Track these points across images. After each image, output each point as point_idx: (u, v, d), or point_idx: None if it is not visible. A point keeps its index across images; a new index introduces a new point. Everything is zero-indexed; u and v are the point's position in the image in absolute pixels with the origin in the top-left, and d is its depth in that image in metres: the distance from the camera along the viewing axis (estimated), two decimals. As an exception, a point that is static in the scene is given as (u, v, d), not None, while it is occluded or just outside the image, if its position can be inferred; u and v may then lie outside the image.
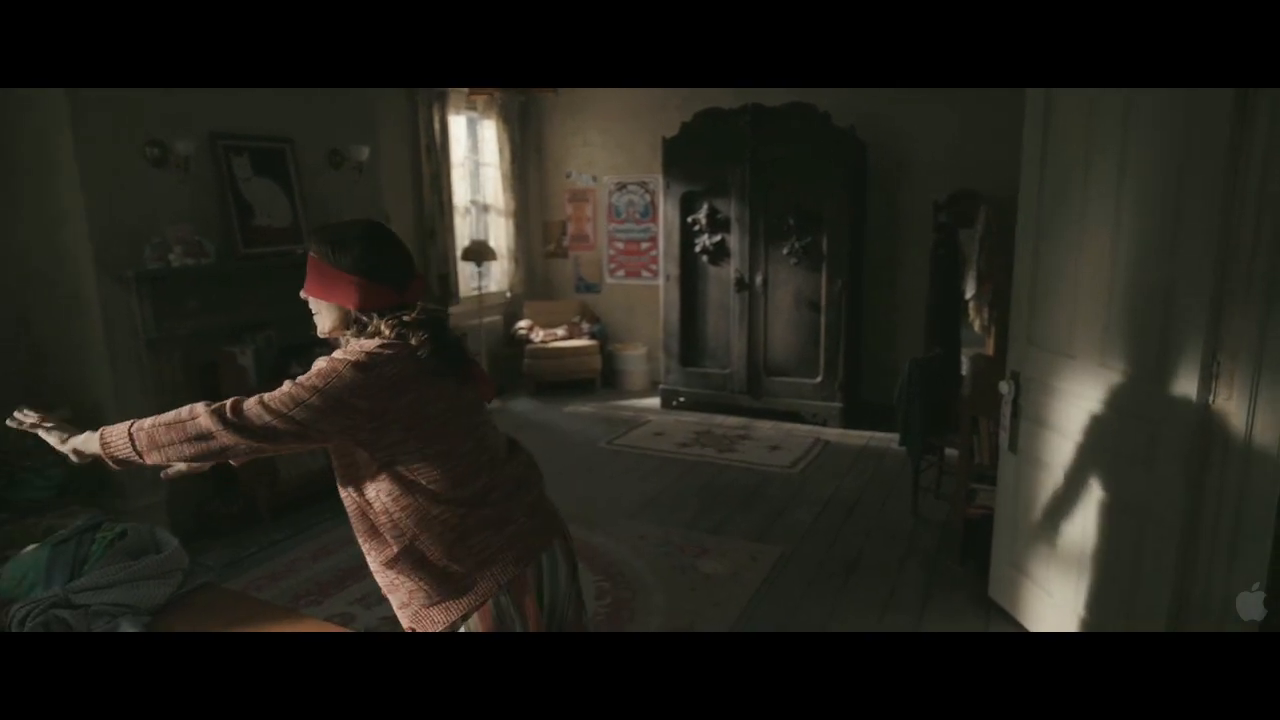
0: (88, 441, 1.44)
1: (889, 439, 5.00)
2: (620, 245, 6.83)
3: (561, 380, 6.49)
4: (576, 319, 6.77)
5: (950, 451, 4.02)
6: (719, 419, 5.67)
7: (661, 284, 5.93)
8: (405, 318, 1.47)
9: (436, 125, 5.78)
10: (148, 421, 1.38)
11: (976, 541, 3.26)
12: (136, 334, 3.49)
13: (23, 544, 2.56)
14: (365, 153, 4.54)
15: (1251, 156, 1.87)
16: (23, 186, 3.49)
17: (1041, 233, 2.62)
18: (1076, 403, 2.47)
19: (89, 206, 3.34)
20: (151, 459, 1.39)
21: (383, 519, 1.46)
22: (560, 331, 6.59)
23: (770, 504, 4.12)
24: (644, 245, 6.72)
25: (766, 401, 5.62)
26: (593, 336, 6.64)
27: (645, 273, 6.75)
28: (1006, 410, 2.78)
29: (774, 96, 5.29)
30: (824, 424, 5.42)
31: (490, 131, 6.57)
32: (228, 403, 1.37)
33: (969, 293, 4.71)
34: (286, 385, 1.39)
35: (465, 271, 6.22)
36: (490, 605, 1.46)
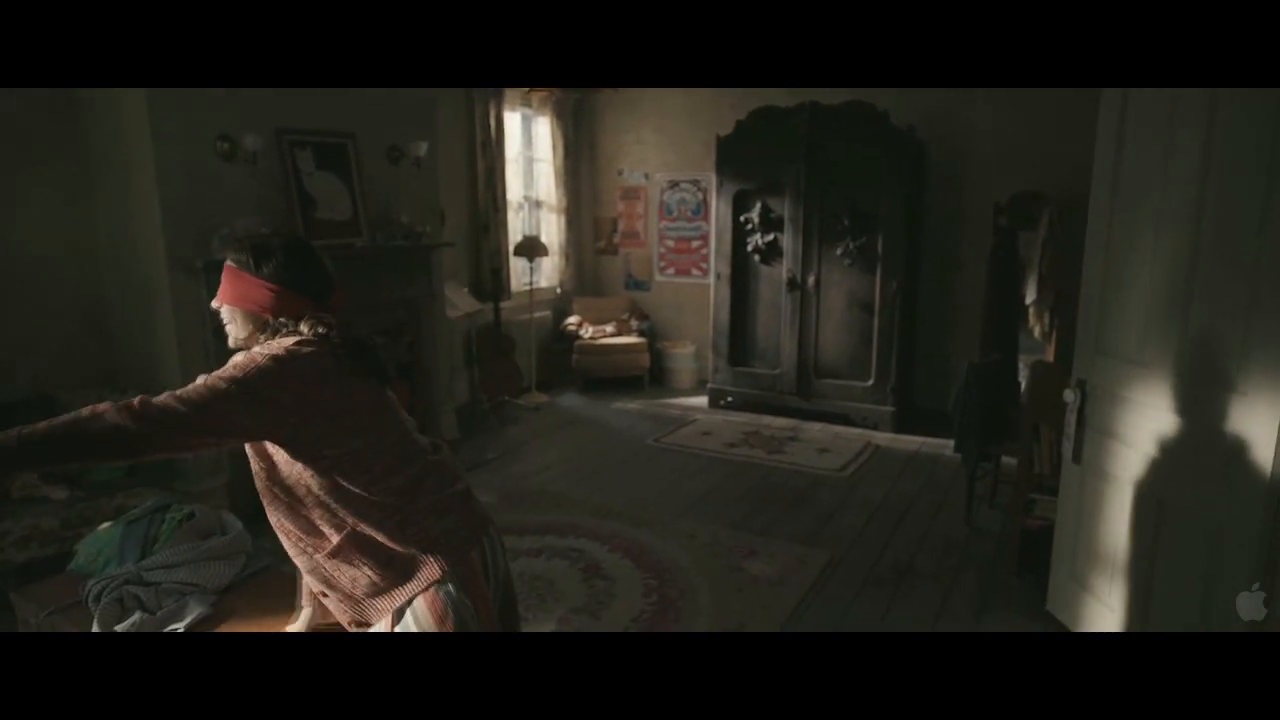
0: None
1: (942, 445, 4.89)
2: (671, 243, 6.82)
3: (609, 376, 6.51)
4: (626, 316, 6.78)
5: (1007, 460, 3.91)
6: (767, 420, 5.62)
7: (712, 282, 5.91)
8: (324, 320, 1.50)
9: (492, 121, 5.84)
10: (41, 425, 1.27)
11: (1034, 553, 3.17)
12: (204, 321, 3.60)
13: (95, 522, 2.67)
14: (424, 148, 4.61)
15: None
16: (101, 180, 3.64)
17: (1113, 237, 2.53)
18: (1147, 414, 2.38)
19: (163, 200, 3.47)
20: (33, 464, 1.28)
21: (316, 513, 1.46)
22: (609, 328, 6.61)
23: (819, 507, 4.07)
24: (694, 243, 6.70)
25: (816, 403, 5.55)
26: (641, 334, 6.65)
27: (695, 271, 6.73)
28: (1071, 419, 2.70)
29: (832, 95, 5.21)
30: (875, 428, 5.34)
31: (544, 128, 6.62)
32: (134, 399, 1.32)
33: (1029, 297, 4.58)
34: (201, 380, 1.37)
35: (517, 267, 6.28)
36: (439, 594, 1.45)
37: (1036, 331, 4.63)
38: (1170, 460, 2.30)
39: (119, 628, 1.76)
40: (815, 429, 5.42)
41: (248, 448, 1.50)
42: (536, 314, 6.39)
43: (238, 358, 1.42)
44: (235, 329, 1.56)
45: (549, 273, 6.82)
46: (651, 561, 3.43)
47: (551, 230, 6.78)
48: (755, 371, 5.77)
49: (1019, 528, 3.31)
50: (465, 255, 5.88)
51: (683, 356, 6.62)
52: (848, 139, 5.15)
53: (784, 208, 5.44)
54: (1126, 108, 2.44)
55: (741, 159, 5.53)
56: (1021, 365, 4.51)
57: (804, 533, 3.75)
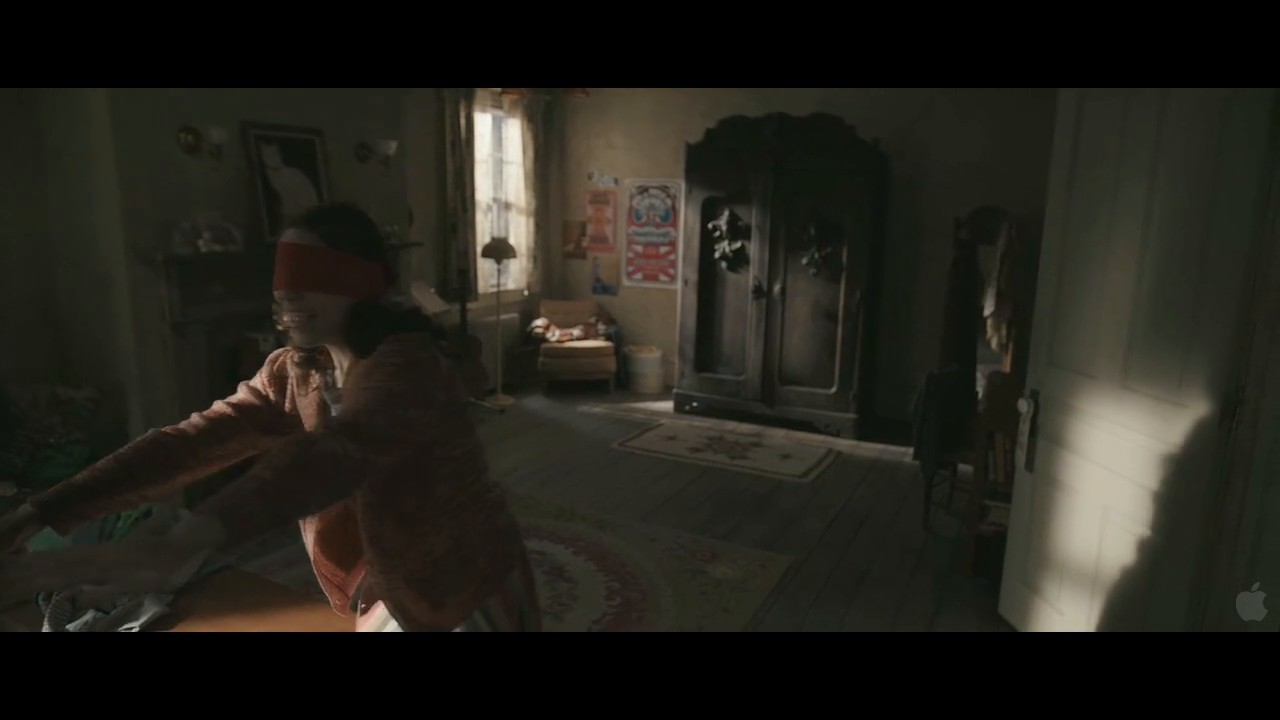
0: (193, 538, 0.90)
1: (902, 452, 4.99)
2: (639, 248, 6.85)
3: (575, 380, 6.51)
4: (592, 320, 6.79)
5: (964, 467, 4.01)
6: (731, 425, 5.68)
7: (679, 288, 5.95)
8: (410, 309, 1.41)
9: (462, 122, 5.82)
10: (247, 484, 0.99)
11: (988, 558, 3.26)
12: (163, 316, 3.54)
13: (46, 519, 2.61)
14: (392, 147, 4.59)
15: (1284, 185, 1.87)
16: (56, 167, 3.55)
17: (1067, 251, 2.62)
18: (1096, 423, 2.47)
19: (122, 190, 3.41)
20: (272, 524, 0.99)
21: (429, 522, 1.35)
22: (576, 331, 6.62)
23: (781, 512, 4.13)
24: (663, 249, 6.74)
25: (780, 410, 5.62)
26: (608, 338, 6.67)
27: (663, 276, 6.77)
28: (1024, 428, 2.78)
29: (800, 107, 5.30)
30: (837, 435, 5.42)
31: (515, 130, 6.61)
32: (333, 429, 1.10)
33: (988, 310, 4.71)
34: (366, 395, 1.17)
35: (484, 268, 6.26)
36: (510, 591, 1.47)
37: (994, 343, 4.76)
38: (1116, 469, 2.39)
39: (70, 627, 1.72)
40: (778, 435, 5.48)
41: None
42: (503, 316, 6.37)
43: (393, 359, 1.23)
44: (322, 323, 1.31)
45: (516, 275, 6.81)
46: (614, 564, 3.45)
47: (520, 232, 6.77)
48: (720, 377, 5.83)
49: (974, 533, 3.40)
50: (433, 255, 5.85)
51: (649, 361, 6.66)
52: (815, 150, 5.24)
53: (751, 216, 5.51)
54: (1080, 126, 2.53)
55: (711, 167, 5.59)
56: (979, 376, 4.63)
57: (766, 537, 3.80)
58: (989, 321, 4.72)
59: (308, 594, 1.91)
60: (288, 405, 1.51)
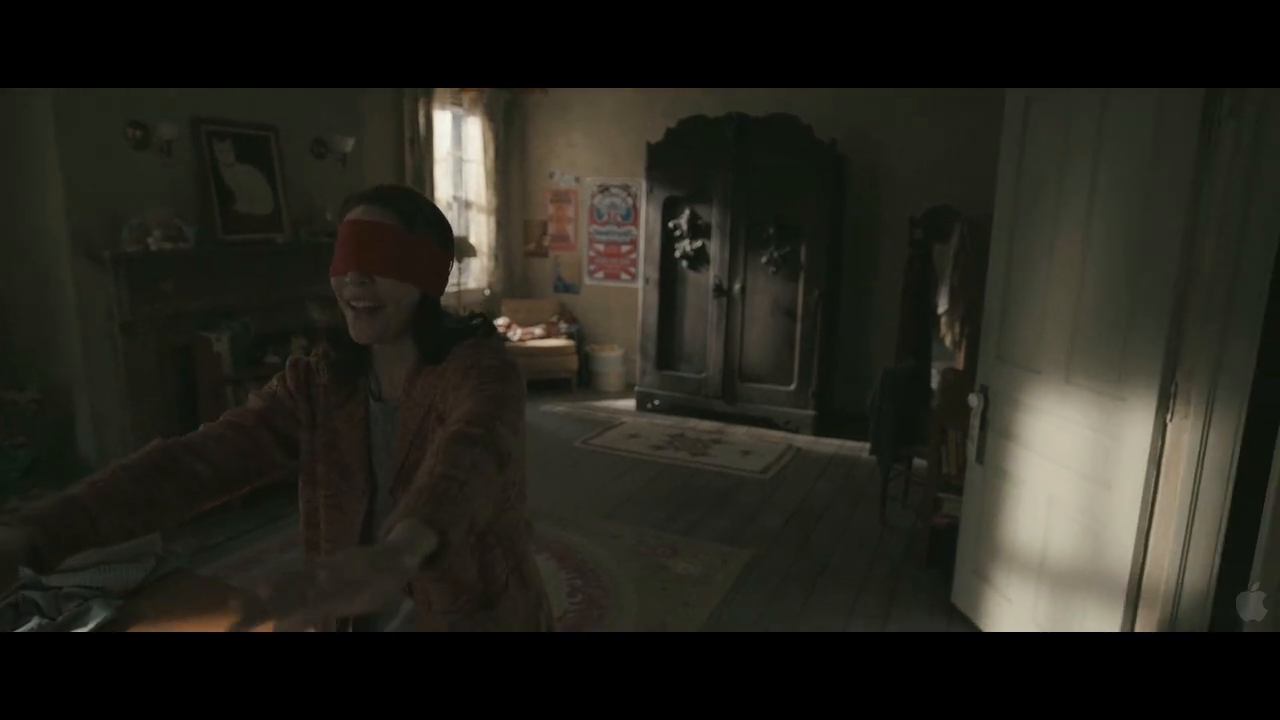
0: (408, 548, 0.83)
1: (860, 447, 5.08)
2: (600, 247, 6.86)
3: (537, 378, 6.49)
4: (554, 318, 6.78)
5: (919, 462, 4.10)
6: (693, 423, 5.72)
7: (640, 287, 5.98)
8: (474, 312, 1.33)
9: (421, 120, 5.77)
10: (442, 486, 0.91)
11: (941, 549, 3.34)
12: (111, 315, 3.45)
13: (-12, 524, 2.52)
14: (350, 144, 4.53)
15: (1214, 184, 1.95)
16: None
17: (1014, 250, 2.70)
18: (1042, 417, 2.55)
19: (67, 184, 3.31)
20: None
21: (495, 551, 1.25)
22: (537, 330, 6.61)
23: (742, 508, 4.17)
24: (624, 248, 6.76)
25: (740, 407, 5.68)
26: (570, 336, 6.67)
27: (624, 275, 6.79)
28: (975, 422, 2.86)
29: (759, 107, 5.36)
30: (797, 431, 5.50)
31: (475, 128, 6.57)
32: (464, 424, 1.02)
33: (941, 307, 4.81)
34: (486, 402, 1.08)
35: (445, 267, 6.20)
36: (544, 606, 1.41)
37: (948, 340, 4.87)
38: (1060, 460, 2.47)
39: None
40: (739, 432, 5.54)
41: None
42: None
43: (487, 359, 1.15)
44: (391, 316, 1.17)
45: (477, 274, 6.77)
46: (576, 561, 3.46)
47: (480, 231, 6.73)
48: (682, 375, 5.87)
49: (928, 525, 3.49)
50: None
51: (611, 360, 6.67)
52: (774, 150, 5.31)
53: (712, 215, 5.56)
54: (1026, 127, 2.61)
55: (671, 166, 5.62)
56: (934, 372, 4.73)
57: (726, 532, 3.84)
58: (943, 319, 4.83)
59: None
60: (313, 418, 1.31)
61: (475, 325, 1.26)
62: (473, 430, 1.01)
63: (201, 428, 1.29)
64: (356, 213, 1.17)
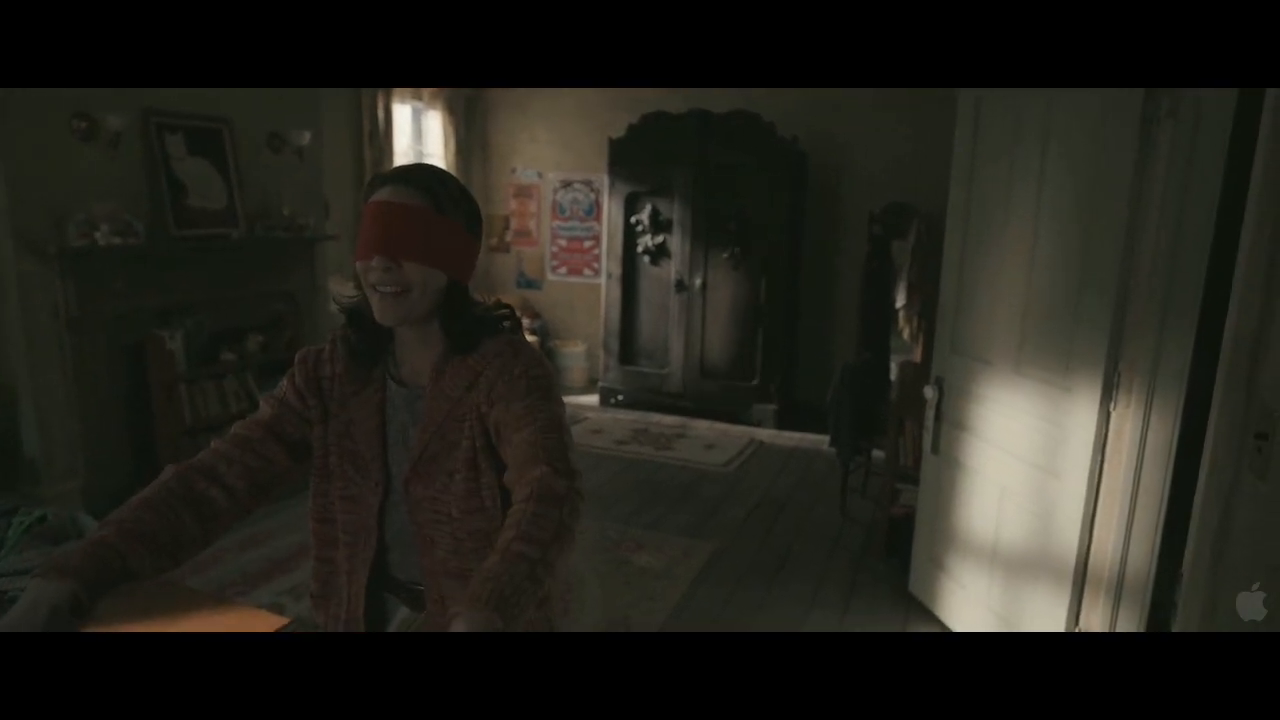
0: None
1: (821, 440, 5.15)
2: (563, 242, 6.85)
3: (500, 375, 6.46)
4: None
5: (878, 453, 4.18)
6: (656, 418, 5.75)
7: (603, 282, 5.98)
8: (498, 302, 1.31)
9: (380, 113, 5.69)
10: (519, 568, 0.94)
11: (899, 539, 3.41)
12: (57, 313, 3.35)
13: (-71, 529, 2.44)
14: (306, 137, 4.46)
15: (1153, 182, 2.03)
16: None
17: (967, 245, 2.76)
18: (993, 407, 2.62)
19: (8, 178, 3.20)
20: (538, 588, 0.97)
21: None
22: (501, 326, 6.57)
23: (705, 501, 4.21)
24: (587, 243, 6.75)
25: (703, 402, 5.72)
26: (533, 332, 6.64)
27: (587, 271, 6.78)
28: (930, 414, 2.93)
29: (720, 104, 5.39)
30: (758, 425, 5.55)
31: (435, 123, 6.50)
32: (549, 472, 1.04)
33: (899, 302, 4.91)
34: (549, 430, 1.11)
35: (405, 263, 6.13)
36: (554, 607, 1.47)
37: (905, 334, 4.96)
38: (1011, 450, 2.55)
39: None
40: (702, 426, 5.58)
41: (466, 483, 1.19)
42: (426, 311, 6.26)
43: (534, 373, 1.16)
44: (417, 300, 1.14)
45: (439, 269, 6.70)
46: (540, 557, 3.46)
47: (442, 226, 6.66)
48: (645, 370, 5.89)
49: (886, 516, 3.56)
50: (350, 249, 5.66)
51: (574, 355, 6.67)
52: (735, 147, 5.35)
53: (673, 211, 5.58)
54: (978, 126, 2.68)
55: (633, 161, 5.63)
56: (892, 365, 4.82)
57: (690, 526, 3.88)
58: (901, 313, 4.92)
59: (223, 597, 1.85)
60: (325, 412, 1.29)
61: (504, 317, 1.25)
62: (557, 487, 1.02)
63: (212, 444, 1.28)
64: (383, 194, 1.14)
